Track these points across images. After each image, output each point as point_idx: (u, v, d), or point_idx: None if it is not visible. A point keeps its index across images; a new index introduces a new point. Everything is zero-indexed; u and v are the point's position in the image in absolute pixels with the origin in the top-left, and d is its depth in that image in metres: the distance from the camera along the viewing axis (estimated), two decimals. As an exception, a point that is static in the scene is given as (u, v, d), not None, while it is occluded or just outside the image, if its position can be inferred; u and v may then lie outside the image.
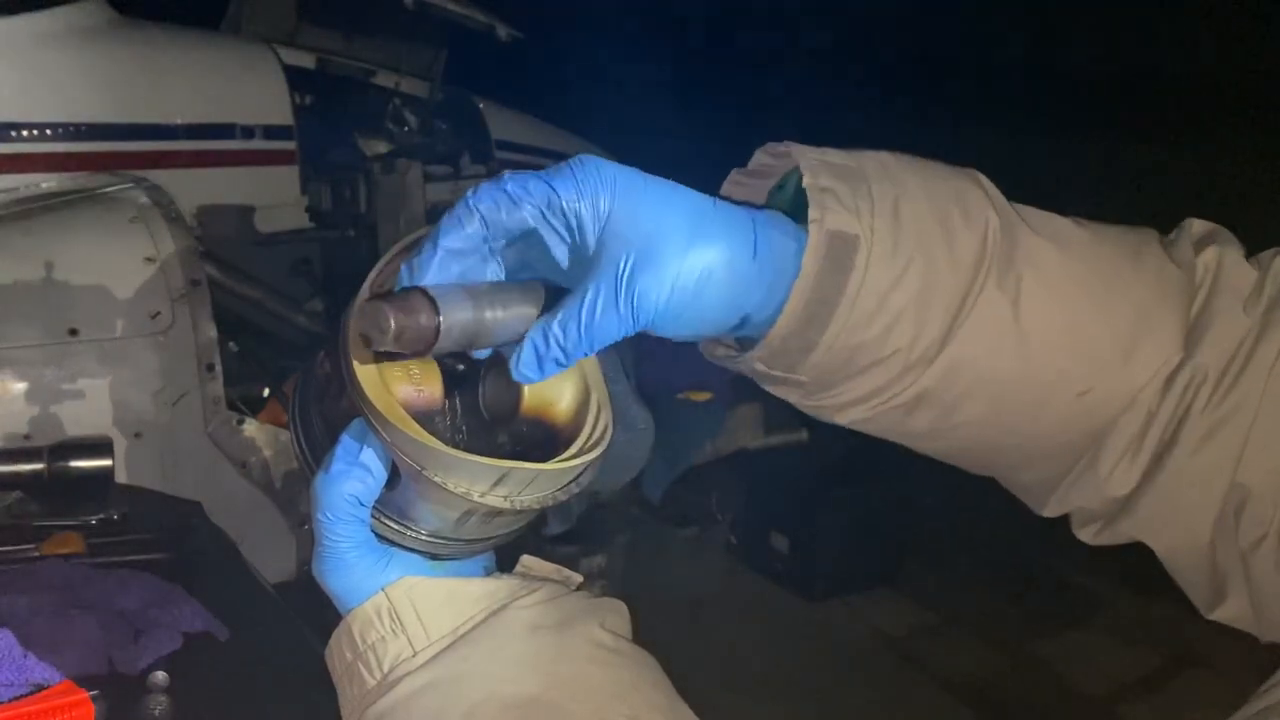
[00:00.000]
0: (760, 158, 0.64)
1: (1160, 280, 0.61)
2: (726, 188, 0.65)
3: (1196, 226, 0.64)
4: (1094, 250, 0.62)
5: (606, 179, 0.55)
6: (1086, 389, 0.61)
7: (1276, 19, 9.67)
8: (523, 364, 0.56)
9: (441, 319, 0.53)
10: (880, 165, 0.60)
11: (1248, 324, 0.60)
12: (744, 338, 0.61)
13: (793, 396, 0.63)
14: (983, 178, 0.62)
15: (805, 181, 0.58)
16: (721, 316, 0.57)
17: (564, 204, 0.55)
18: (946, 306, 0.59)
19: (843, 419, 0.63)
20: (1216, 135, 8.76)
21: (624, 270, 0.54)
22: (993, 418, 0.62)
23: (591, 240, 0.55)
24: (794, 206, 0.61)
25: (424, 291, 0.54)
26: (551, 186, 0.55)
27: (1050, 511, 0.67)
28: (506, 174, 0.56)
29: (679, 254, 0.54)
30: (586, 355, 0.56)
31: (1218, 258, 0.62)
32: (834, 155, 0.60)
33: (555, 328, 0.55)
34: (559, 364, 0.55)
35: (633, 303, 0.54)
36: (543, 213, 0.55)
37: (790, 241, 0.58)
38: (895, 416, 0.62)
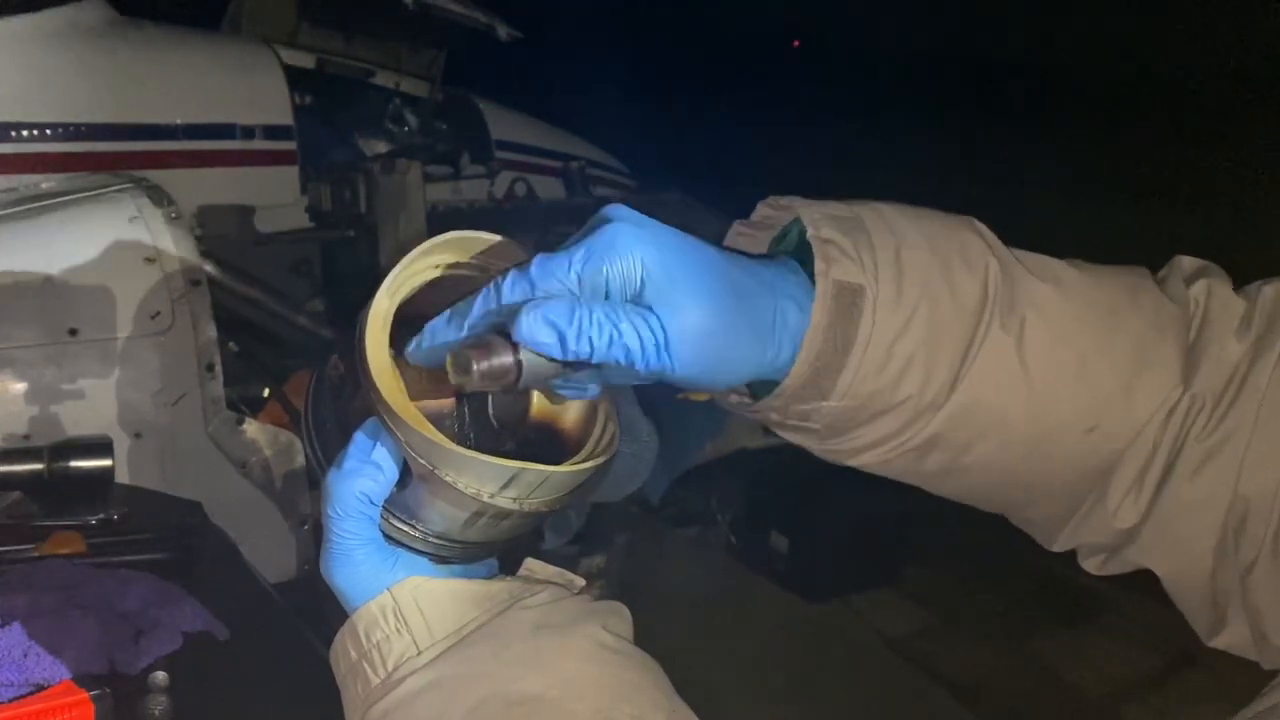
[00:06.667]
0: (762, 210, 0.65)
1: (1158, 316, 0.63)
2: (730, 239, 0.66)
3: (1186, 263, 0.66)
4: (1092, 290, 0.63)
5: (636, 254, 0.54)
6: (1093, 425, 0.62)
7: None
8: (532, 320, 0.52)
9: (523, 358, 0.54)
10: (879, 216, 0.61)
11: (1240, 352, 0.61)
12: (757, 385, 0.62)
13: (807, 442, 0.64)
14: (980, 224, 0.63)
15: (809, 234, 0.59)
16: (739, 375, 0.58)
17: (591, 281, 0.54)
18: (953, 351, 0.60)
19: (857, 463, 0.64)
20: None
21: (659, 330, 0.53)
22: (1003, 457, 0.63)
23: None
24: (796, 257, 0.62)
25: (505, 333, 0.54)
26: (575, 265, 0.54)
27: (1060, 547, 0.68)
28: (535, 260, 0.54)
29: (707, 321, 0.54)
30: (586, 358, 0.53)
31: (1207, 291, 0.64)
32: (834, 208, 0.61)
33: (586, 311, 0.53)
34: (560, 345, 0.53)
35: (655, 358, 0.54)
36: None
37: (801, 294, 0.58)
38: (908, 460, 0.63)
